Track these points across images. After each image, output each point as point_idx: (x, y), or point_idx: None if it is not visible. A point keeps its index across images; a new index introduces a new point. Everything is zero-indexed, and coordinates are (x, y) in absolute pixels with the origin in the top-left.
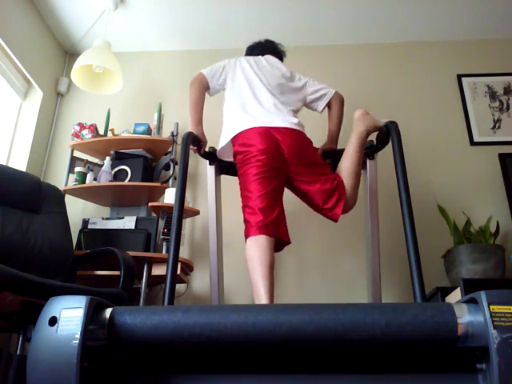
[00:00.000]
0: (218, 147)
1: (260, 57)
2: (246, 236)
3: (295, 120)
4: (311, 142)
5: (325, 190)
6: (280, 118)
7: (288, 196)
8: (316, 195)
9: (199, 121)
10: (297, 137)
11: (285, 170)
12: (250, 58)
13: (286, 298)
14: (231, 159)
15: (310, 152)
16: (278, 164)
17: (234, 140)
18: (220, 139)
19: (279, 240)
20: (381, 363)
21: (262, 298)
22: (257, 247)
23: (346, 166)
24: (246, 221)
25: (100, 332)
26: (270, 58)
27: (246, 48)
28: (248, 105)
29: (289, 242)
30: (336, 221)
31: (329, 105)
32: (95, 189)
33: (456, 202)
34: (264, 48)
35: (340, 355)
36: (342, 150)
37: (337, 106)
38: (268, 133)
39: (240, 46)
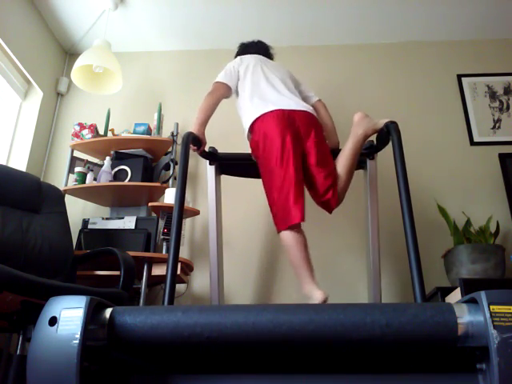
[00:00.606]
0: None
1: (258, 55)
2: (280, 226)
3: (309, 105)
4: (322, 129)
5: (326, 181)
6: (295, 102)
7: None
8: (319, 182)
9: (204, 123)
10: (312, 119)
11: (301, 149)
12: (255, 56)
13: (286, 297)
14: None
15: (322, 137)
16: (296, 144)
17: (253, 127)
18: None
19: None
20: (381, 363)
21: (308, 278)
22: (294, 237)
23: (340, 165)
24: (280, 210)
25: (100, 332)
26: (261, 57)
27: (239, 45)
28: (264, 92)
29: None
30: (330, 212)
31: (314, 107)
32: (95, 189)
33: (456, 202)
34: (258, 48)
35: (340, 355)
36: None
37: (323, 106)
38: (286, 114)
39: None
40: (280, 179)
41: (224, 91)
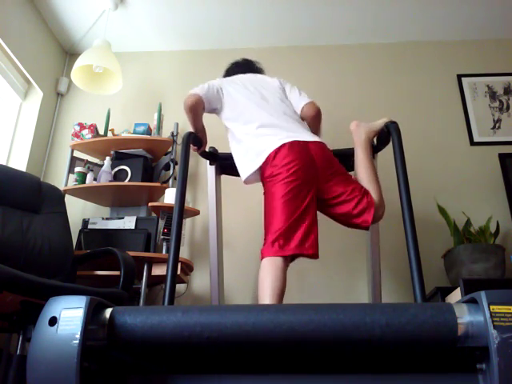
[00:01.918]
0: (244, 174)
1: (249, 75)
2: (263, 255)
3: (315, 135)
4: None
5: (354, 197)
6: (305, 133)
7: None
8: (346, 203)
9: (201, 129)
10: (325, 149)
11: (316, 183)
12: (241, 78)
13: (286, 298)
14: (257, 181)
15: (335, 161)
16: (310, 177)
17: (266, 162)
18: (243, 164)
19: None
20: (381, 363)
21: None
22: (271, 270)
23: (362, 176)
24: (267, 239)
25: (100, 332)
26: (254, 75)
27: (224, 71)
28: (269, 122)
29: (314, 256)
30: (367, 228)
31: (303, 110)
32: (95, 189)
33: (456, 202)
34: (243, 67)
35: (340, 355)
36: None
37: (311, 108)
38: (302, 146)
39: (240, 46)
40: (279, 217)
41: (200, 103)
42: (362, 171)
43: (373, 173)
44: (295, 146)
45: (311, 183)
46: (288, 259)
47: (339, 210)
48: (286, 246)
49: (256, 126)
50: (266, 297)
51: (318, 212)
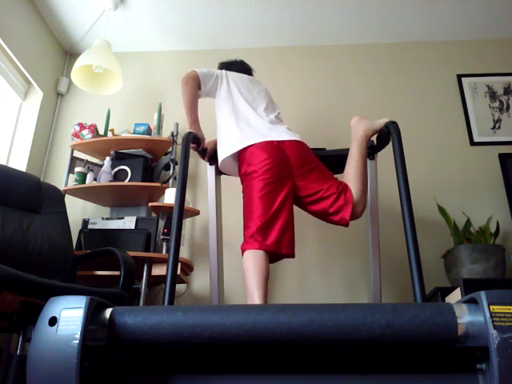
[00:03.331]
0: (220, 159)
1: (243, 74)
2: (243, 249)
3: (296, 133)
4: (311, 151)
5: (331, 195)
6: (284, 132)
7: None
8: (322, 201)
9: (196, 119)
10: (302, 147)
11: (292, 181)
12: (239, 75)
13: (286, 298)
14: (233, 173)
15: (313, 159)
16: (283, 175)
17: (241, 154)
18: (220, 150)
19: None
20: (381, 363)
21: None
22: (253, 259)
23: (349, 172)
24: (245, 235)
25: (100, 332)
26: (247, 76)
27: (220, 63)
28: (251, 119)
29: (291, 255)
30: (346, 225)
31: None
32: (95, 189)
33: (456, 201)
34: (238, 67)
35: (340, 355)
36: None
37: None
38: (276, 146)
39: (240, 46)
40: (257, 212)
41: (197, 82)
42: (350, 167)
43: (360, 171)
44: (269, 146)
45: (285, 181)
46: (268, 255)
47: (316, 208)
48: (263, 241)
49: (242, 121)
50: (253, 283)
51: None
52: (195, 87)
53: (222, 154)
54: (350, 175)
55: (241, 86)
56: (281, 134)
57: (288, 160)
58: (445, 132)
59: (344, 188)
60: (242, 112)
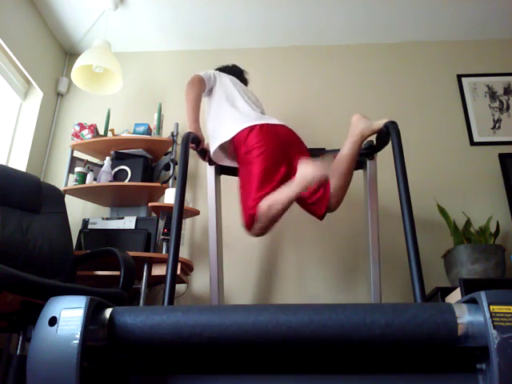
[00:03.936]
0: (212, 149)
1: (234, 78)
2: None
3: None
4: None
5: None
6: (275, 119)
7: None
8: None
9: (197, 118)
10: (294, 133)
11: (287, 159)
12: (230, 76)
13: (286, 298)
14: (225, 163)
15: (303, 144)
16: (282, 153)
17: (240, 136)
18: (218, 136)
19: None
20: (381, 363)
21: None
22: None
23: (334, 166)
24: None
25: (100, 332)
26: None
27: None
28: (245, 108)
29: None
30: (321, 217)
31: None
32: (95, 189)
33: (456, 202)
34: (233, 72)
35: (340, 355)
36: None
37: None
38: (271, 127)
39: (240, 46)
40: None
41: (203, 85)
42: (336, 162)
43: (344, 167)
44: (265, 128)
45: (282, 160)
46: None
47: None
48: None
49: (239, 110)
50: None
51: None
52: (200, 89)
53: (221, 138)
54: (334, 170)
55: (235, 83)
56: (272, 119)
57: (282, 141)
58: (445, 132)
59: (324, 182)
60: (238, 101)
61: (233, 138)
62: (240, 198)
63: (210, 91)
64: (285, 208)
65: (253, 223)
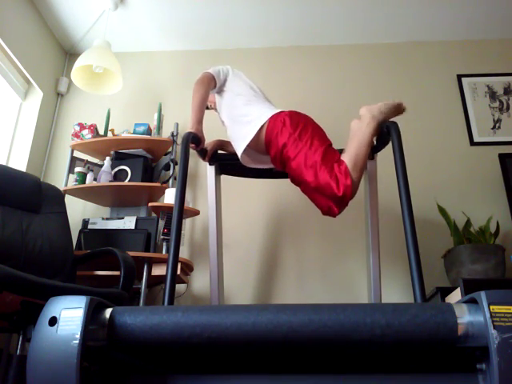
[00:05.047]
0: (251, 135)
1: None
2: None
3: None
4: None
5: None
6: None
7: (287, 196)
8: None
9: (201, 119)
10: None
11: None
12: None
13: (286, 298)
14: (260, 151)
15: None
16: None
17: (274, 122)
18: (252, 123)
19: None
20: (381, 363)
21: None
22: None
23: (346, 150)
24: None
25: (100, 332)
26: None
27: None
28: (264, 103)
29: None
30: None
31: None
32: (95, 189)
33: (456, 201)
34: None
35: (340, 355)
36: None
37: None
38: (293, 112)
39: (240, 47)
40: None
41: (212, 83)
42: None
43: (362, 142)
44: (290, 112)
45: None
46: None
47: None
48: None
49: (259, 101)
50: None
51: (317, 212)
52: (209, 88)
53: (250, 132)
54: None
55: (248, 79)
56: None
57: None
58: (445, 132)
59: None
60: (257, 96)
61: (266, 127)
62: (317, 175)
63: (223, 85)
64: (368, 152)
65: (351, 182)
